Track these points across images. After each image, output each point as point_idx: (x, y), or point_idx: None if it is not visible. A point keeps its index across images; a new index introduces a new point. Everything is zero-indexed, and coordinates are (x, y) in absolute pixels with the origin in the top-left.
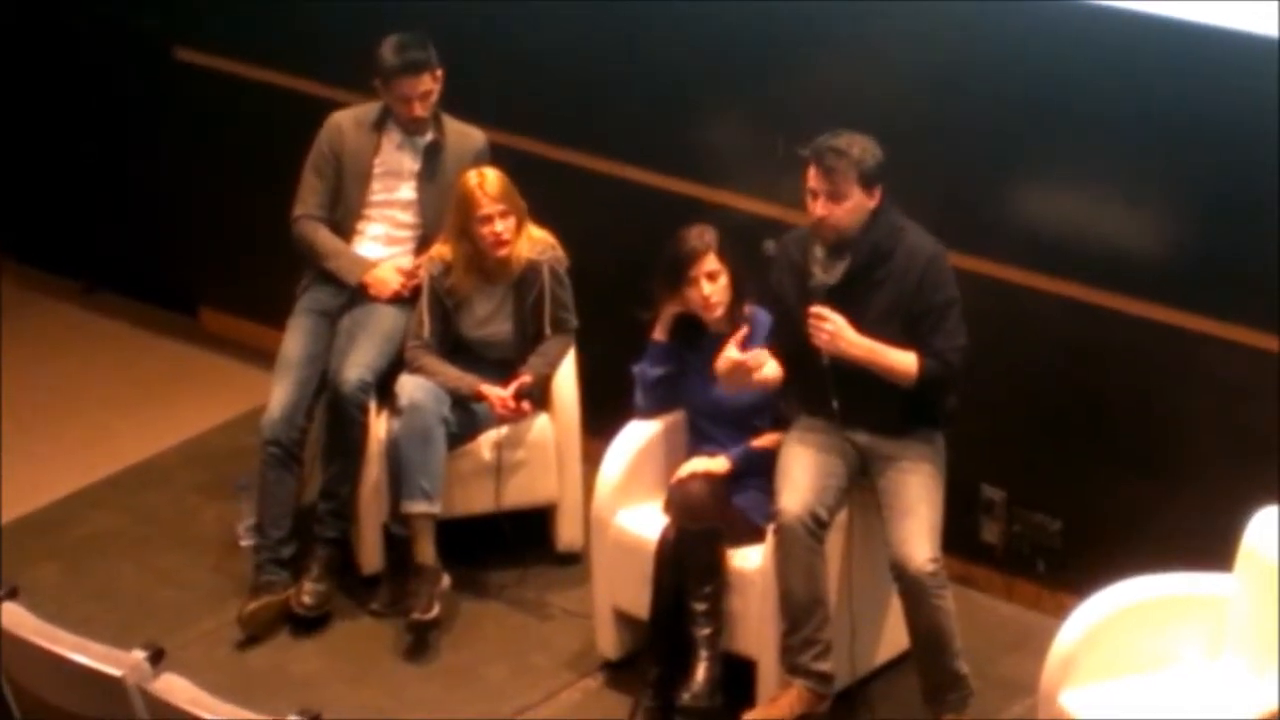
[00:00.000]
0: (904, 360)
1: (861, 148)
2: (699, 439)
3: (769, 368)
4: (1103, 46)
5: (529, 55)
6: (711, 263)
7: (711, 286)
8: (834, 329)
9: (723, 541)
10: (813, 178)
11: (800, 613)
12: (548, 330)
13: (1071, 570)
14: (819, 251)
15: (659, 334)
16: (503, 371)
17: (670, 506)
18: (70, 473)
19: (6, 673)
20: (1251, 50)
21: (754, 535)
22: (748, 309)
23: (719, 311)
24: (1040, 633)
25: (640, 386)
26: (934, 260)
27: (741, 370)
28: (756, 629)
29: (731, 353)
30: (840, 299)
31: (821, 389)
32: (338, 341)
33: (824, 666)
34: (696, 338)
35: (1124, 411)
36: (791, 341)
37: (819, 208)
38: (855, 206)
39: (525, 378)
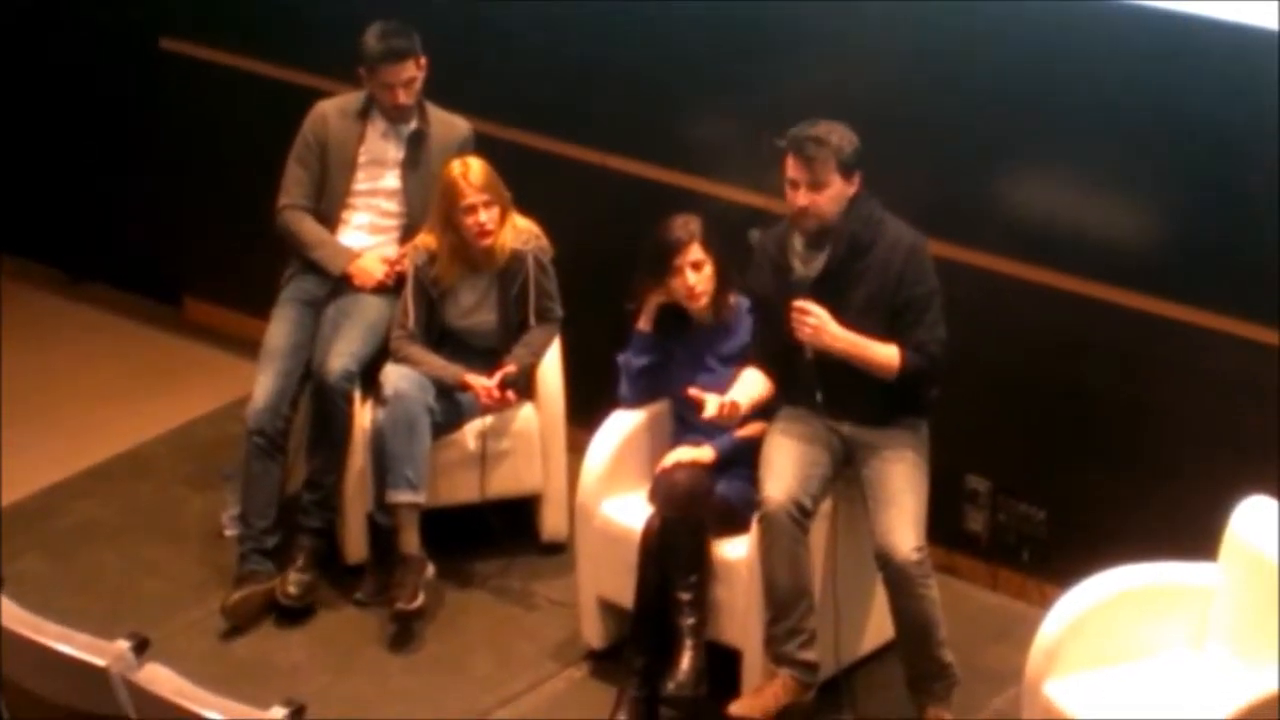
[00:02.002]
0: (886, 353)
1: (840, 135)
2: (683, 428)
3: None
4: (1094, 36)
5: (514, 44)
6: (696, 252)
7: (696, 276)
8: (817, 323)
9: (707, 531)
10: (792, 168)
11: (785, 602)
12: (532, 320)
13: (1056, 560)
14: (798, 244)
15: (643, 324)
16: (488, 361)
17: (655, 496)
18: (55, 463)
19: None
20: (1246, 41)
21: (739, 525)
22: (733, 299)
23: (703, 301)
24: (1025, 622)
25: (625, 376)
26: (914, 251)
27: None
28: (741, 618)
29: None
30: (822, 292)
31: (805, 382)
32: (322, 331)
33: (809, 655)
34: (681, 327)
35: (1110, 402)
36: (774, 337)
37: (800, 197)
38: (836, 194)
39: (510, 367)
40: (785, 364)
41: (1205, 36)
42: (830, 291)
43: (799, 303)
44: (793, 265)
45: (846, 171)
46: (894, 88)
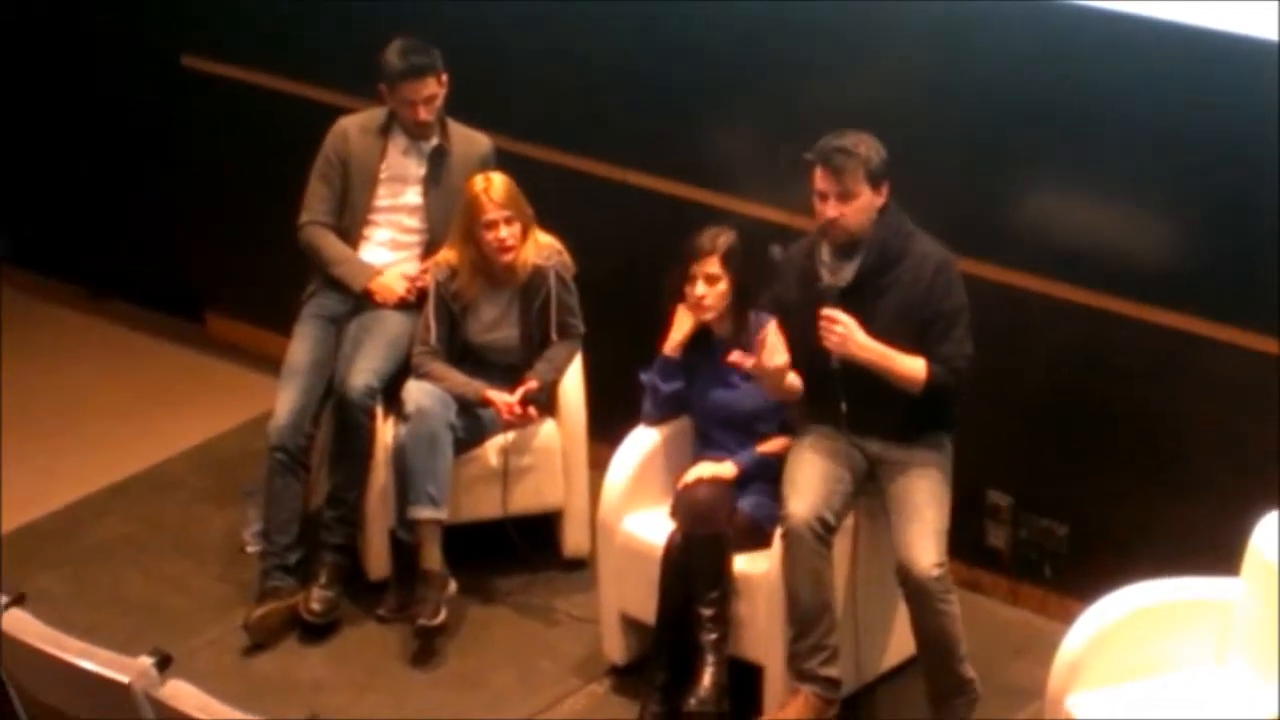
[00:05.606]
0: (913, 366)
1: (868, 146)
2: (705, 444)
3: (780, 356)
4: (1110, 51)
5: (535, 60)
6: (713, 265)
7: (705, 289)
8: (845, 331)
9: (729, 547)
10: (820, 179)
11: (807, 618)
12: (554, 336)
13: (1078, 575)
14: (826, 254)
15: (670, 349)
16: (509, 377)
17: (677, 511)
18: (77, 480)
19: (14, 679)
20: (1253, 54)
21: (760, 540)
22: (753, 314)
23: (708, 315)
24: (1046, 638)
25: (650, 398)
26: (943, 267)
27: (765, 370)
28: (763, 634)
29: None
30: (850, 301)
31: (830, 392)
32: (344, 348)
33: (832, 671)
34: (704, 343)
35: (1131, 417)
36: (800, 347)
37: (829, 209)
38: (865, 205)
39: (532, 383)
40: (810, 375)
41: (1215, 50)
42: (859, 301)
43: (827, 310)
44: (821, 274)
45: (875, 182)
46: (916, 104)
